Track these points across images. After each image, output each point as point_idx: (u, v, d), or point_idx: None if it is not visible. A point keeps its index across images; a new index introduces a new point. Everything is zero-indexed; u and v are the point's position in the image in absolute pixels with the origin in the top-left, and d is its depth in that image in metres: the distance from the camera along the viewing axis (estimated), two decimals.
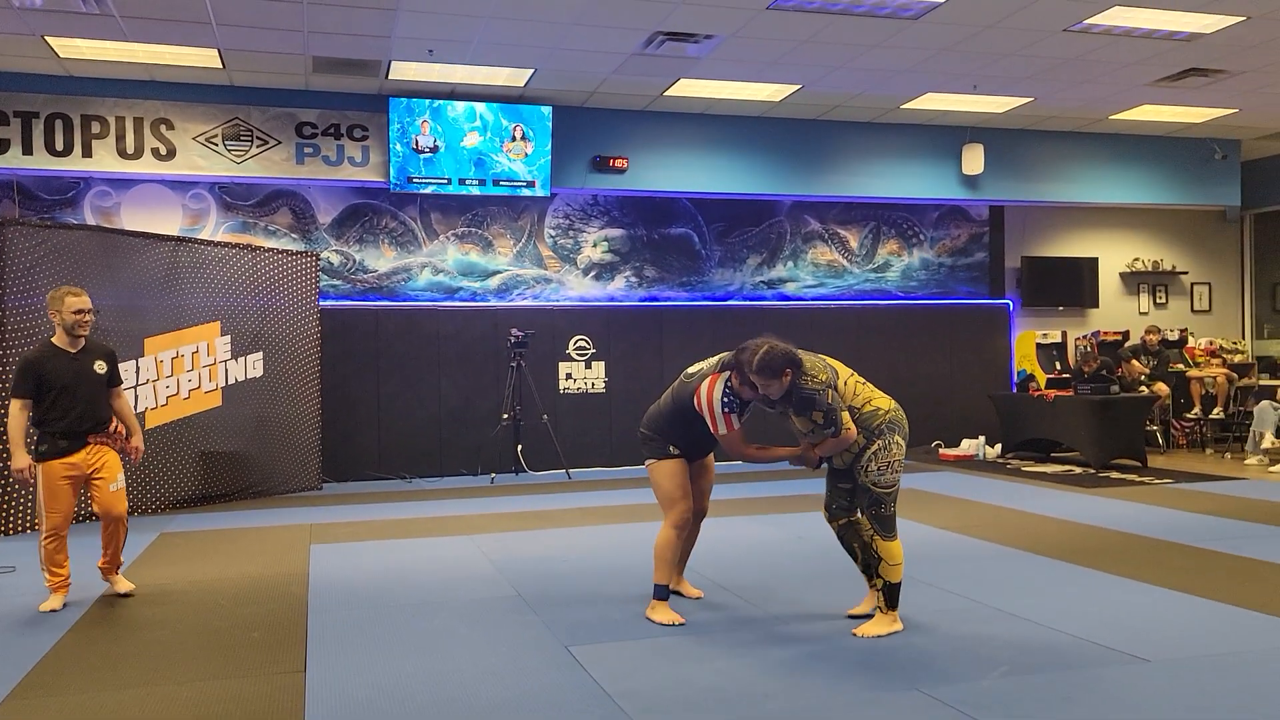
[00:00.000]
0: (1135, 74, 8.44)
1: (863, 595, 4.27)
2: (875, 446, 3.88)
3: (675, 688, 3.38)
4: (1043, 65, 8.18)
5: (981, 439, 10.12)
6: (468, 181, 8.97)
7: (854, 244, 10.74)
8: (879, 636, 3.87)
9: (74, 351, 4.69)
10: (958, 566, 5.10)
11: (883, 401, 3.97)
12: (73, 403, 4.60)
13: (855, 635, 3.89)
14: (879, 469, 3.87)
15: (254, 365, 7.99)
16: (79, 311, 4.65)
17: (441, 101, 8.81)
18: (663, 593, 4.21)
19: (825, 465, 4.08)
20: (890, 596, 3.95)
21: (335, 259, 9.28)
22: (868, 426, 3.90)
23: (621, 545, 5.86)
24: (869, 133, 10.09)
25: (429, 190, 8.93)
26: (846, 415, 3.86)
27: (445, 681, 3.49)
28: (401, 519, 6.94)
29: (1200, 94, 9.04)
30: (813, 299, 10.52)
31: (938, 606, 4.34)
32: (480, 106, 8.89)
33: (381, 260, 9.42)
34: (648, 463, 4.32)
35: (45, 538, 4.59)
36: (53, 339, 4.71)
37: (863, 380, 4.04)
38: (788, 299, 10.50)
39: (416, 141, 8.78)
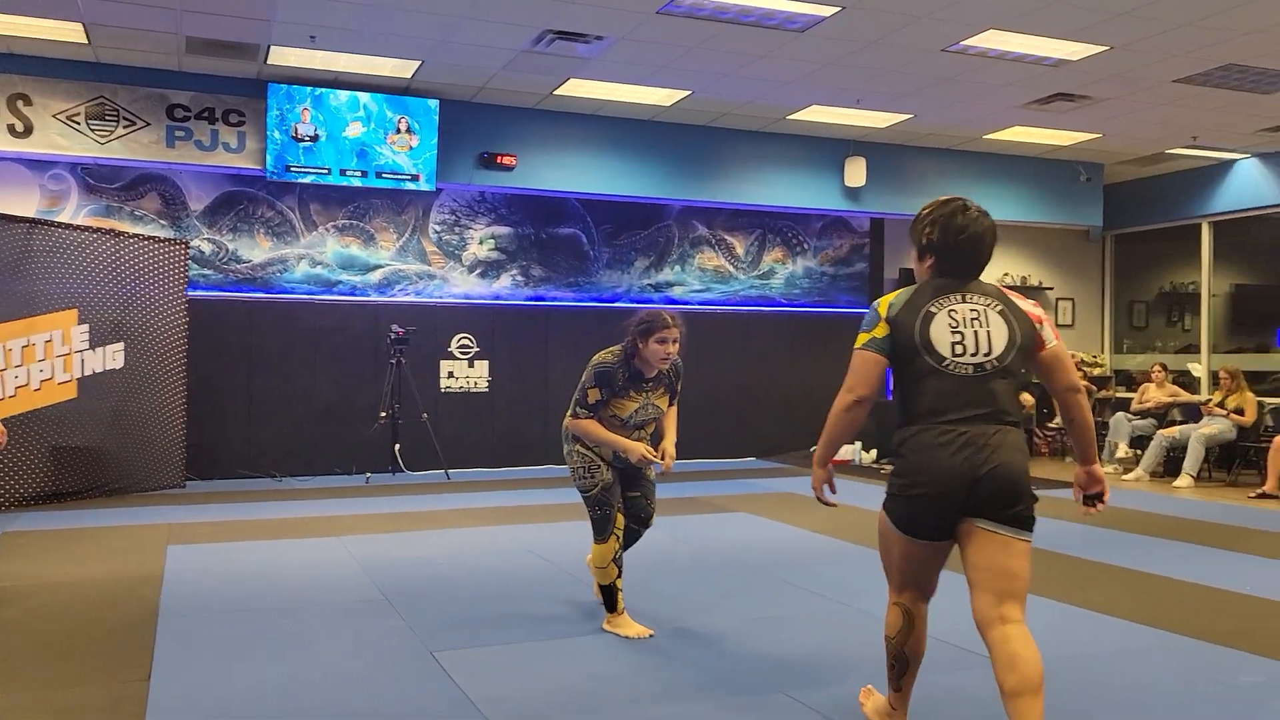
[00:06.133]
0: (1008, 96, 8.79)
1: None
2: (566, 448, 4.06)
3: (543, 694, 3.32)
4: (922, 83, 8.44)
5: (858, 444, 10.38)
6: (349, 172, 8.72)
7: (740, 251, 10.88)
8: (618, 635, 3.95)
9: None
10: (826, 569, 5.19)
11: None
12: None
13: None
14: (571, 473, 4.01)
15: (114, 356, 7.59)
16: None
17: (324, 90, 8.54)
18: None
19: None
20: (605, 599, 4.02)
21: (207, 248, 8.89)
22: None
23: (499, 548, 5.77)
24: (757, 141, 10.23)
25: (308, 180, 8.64)
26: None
27: (300, 689, 3.36)
28: (268, 519, 6.68)
29: (1067, 118, 9.47)
30: (699, 304, 10.61)
31: (806, 609, 4.41)
32: (364, 96, 8.65)
33: (257, 250, 9.07)
34: None
35: None
36: None
37: None
38: (675, 303, 10.55)
39: (296, 129, 8.49)
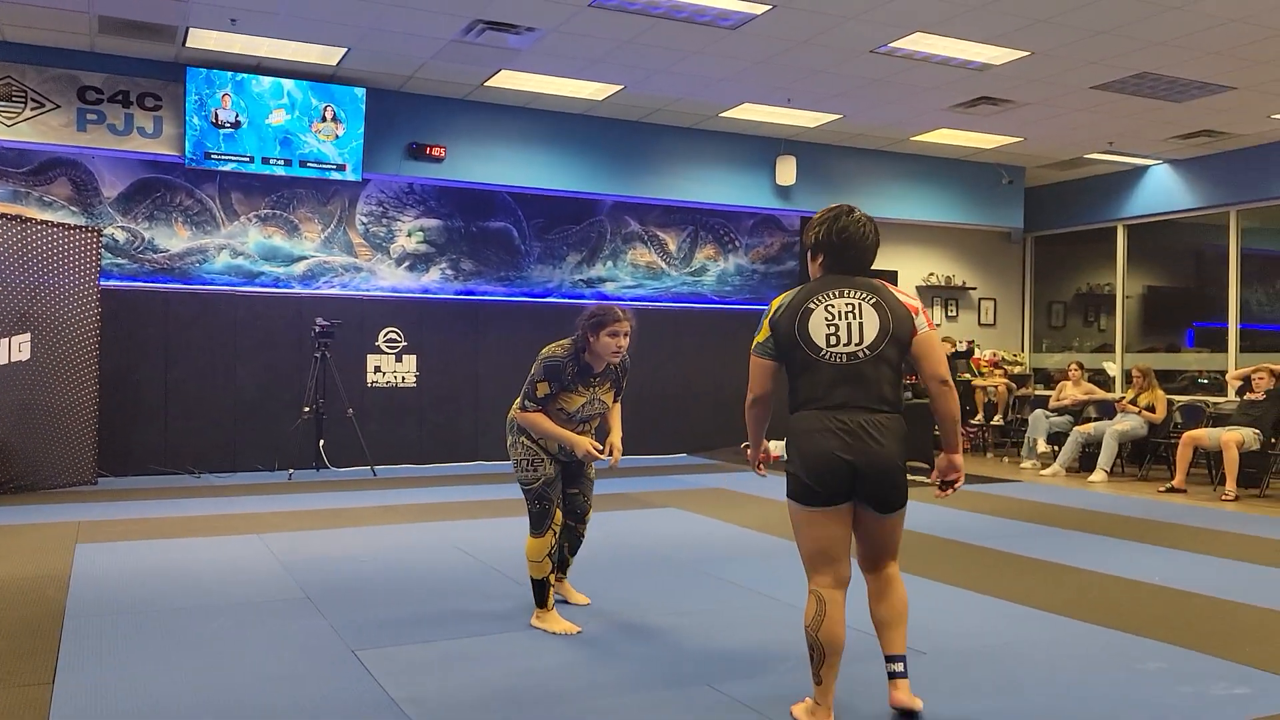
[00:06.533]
0: (934, 98, 8.95)
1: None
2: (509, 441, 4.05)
3: (467, 692, 3.27)
4: (851, 84, 8.54)
5: (786, 440, 10.45)
6: (272, 161, 8.50)
7: (672, 247, 10.90)
8: (545, 631, 3.94)
9: None
10: (754, 564, 5.22)
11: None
12: None
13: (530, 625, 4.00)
14: (514, 465, 4.00)
15: (19, 348, 7.28)
16: None
17: (245, 75, 8.30)
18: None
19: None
20: (535, 593, 4.01)
21: (121, 236, 8.58)
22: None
23: (425, 545, 5.68)
24: (689, 138, 10.25)
25: (229, 168, 8.39)
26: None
27: (216, 691, 3.25)
28: (185, 517, 6.48)
29: (991, 121, 9.69)
30: (631, 300, 10.59)
31: (733, 603, 4.42)
32: (288, 83, 8.44)
33: (174, 240, 8.79)
34: None
35: None
36: None
37: None
38: (607, 299, 10.52)
39: (216, 115, 8.24)
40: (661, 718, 3.05)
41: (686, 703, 3.18)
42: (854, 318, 2.92)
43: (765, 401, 3.08)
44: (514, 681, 3.36)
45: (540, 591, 4.00)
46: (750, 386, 3.07)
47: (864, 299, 2.94)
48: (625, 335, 3.87)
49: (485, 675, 3.43)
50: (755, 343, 3.04)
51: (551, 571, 4.01)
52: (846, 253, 3.00)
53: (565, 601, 4.33)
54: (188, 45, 7.77)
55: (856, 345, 2.90)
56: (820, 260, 3.05)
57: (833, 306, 2.94)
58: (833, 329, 2.92)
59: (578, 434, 3.95)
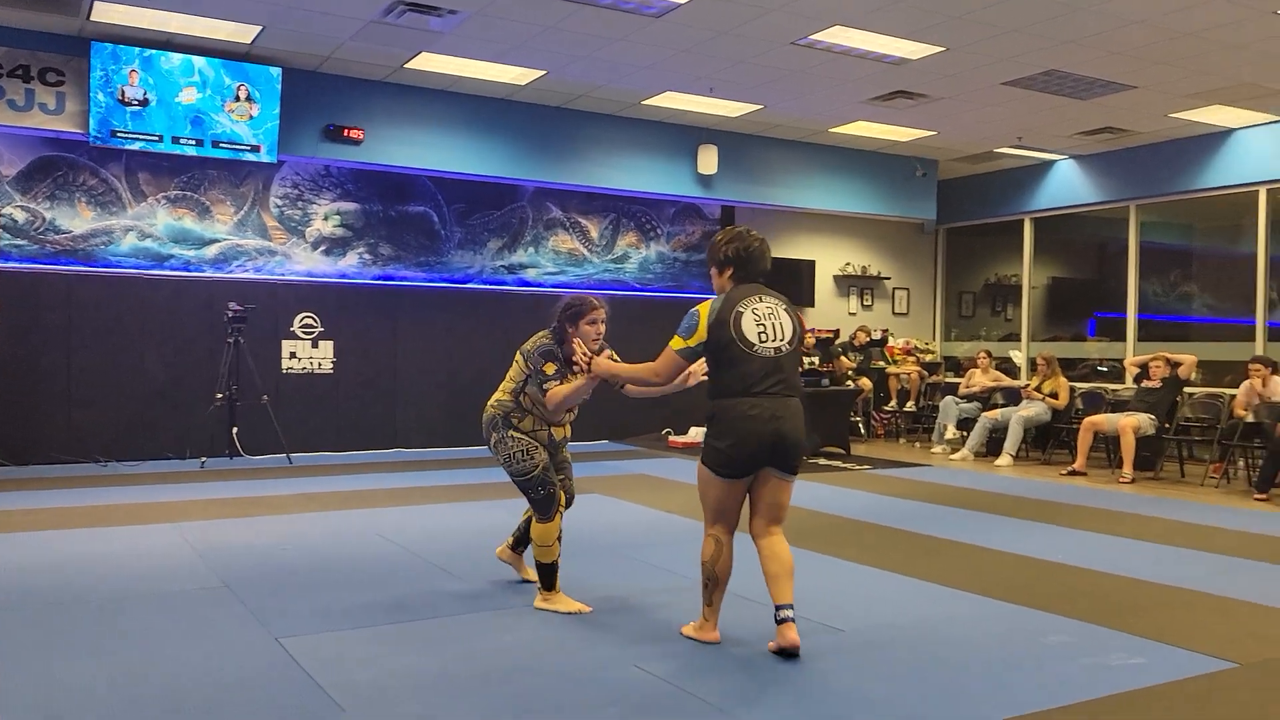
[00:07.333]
0: (852, 91, 9.13)
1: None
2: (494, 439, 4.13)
3: (395, 677, 3.26)
4: (772, 75, 8.66)
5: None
6: (183, 140, 8.24)
7: (594, 234, 10.91)
8: (555, 611, 4.03)
9: None
10: (673, 546, 5.30)
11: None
12: None
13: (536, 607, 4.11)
14: (506, 459, 4.07)
15: None
16: None
17: (154, 51, 8.02)
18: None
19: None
20: (544, 577, 4.11)
21: (20, 216, 8.23)
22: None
23: (346, 533, 5.62)
24: (611, 125, 10.26)
25: (136, 147, 8.11)
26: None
27: (135, 683, 3.18)
28: (93, 506, 6.28)
29: (906, 115, 9.93)
30: (553, 286, 10.57)
31: (656, 584, 4.49)
32: (199, 60, 8.18)
33: (78, 221, 8.46)
34: None
35: None
36: None
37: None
38: (529, 285, 10.49)
39: (123, 92, 7.95)
40: (590, 697, 3.09)
41: (614, 682, 3.23)
42: (774, 319, 3.57)
43: (660, 386, 3.76)
44: (444, 667, 3.37)
45: (549, 575, 4.09)
46: (658, 371, 3.66)
47: (778, 305, 3.63)
48: (603, 322, 4.03)
49: (415, 661, 3.42)
50: (683, 344, 3.57)
51: (516, 546, 4.35)
52: (751, 265, 3.65)
53: (523, 579, 4.51)
54: (92, 19, 7.47)
55: (779, 342, 3.55)
56: (730, 273, 3.66)
57: (757, 310, 3.57)
58: (762, 328, 3.54)
59: (561, 422, 4.17)
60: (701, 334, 3.54)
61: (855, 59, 8.10)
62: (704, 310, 3.57)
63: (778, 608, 3.51)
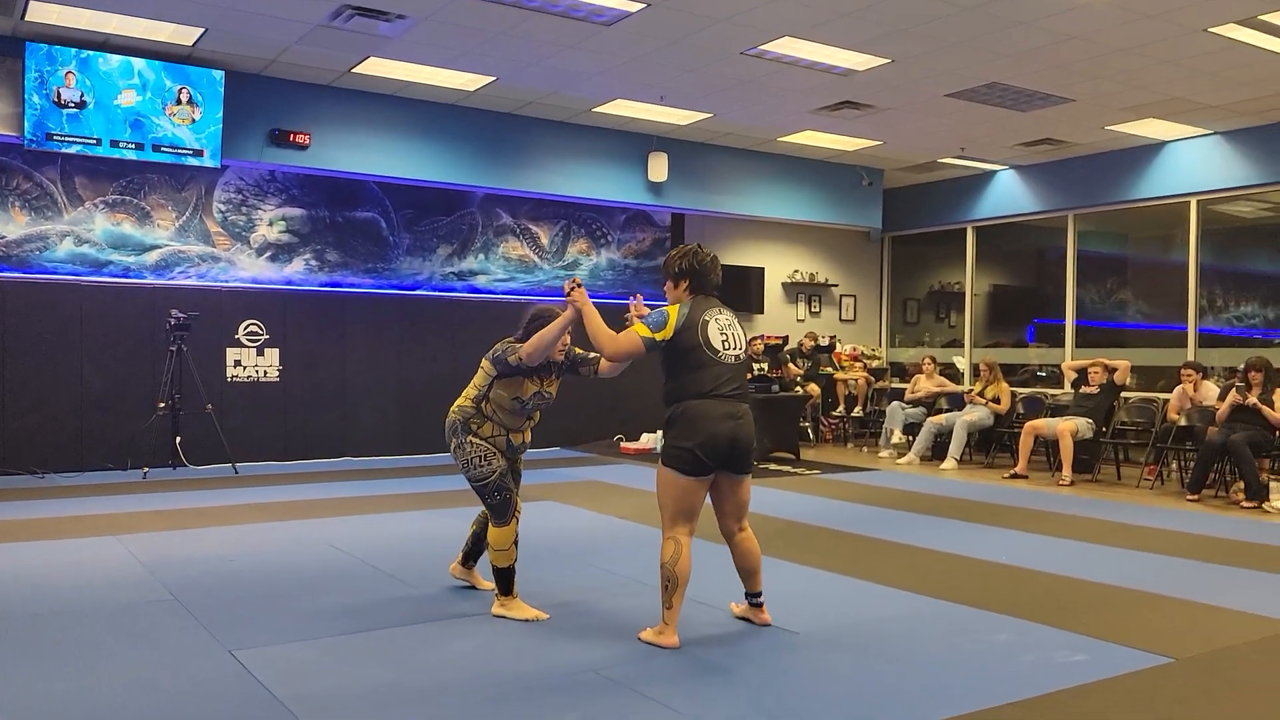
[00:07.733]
0: (800, 101, 9.25)
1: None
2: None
3: (352, 687, 3.24)
4: (722, 84, 8.75)
5: (659, 433, 10.65)
6: (122, 144, 8.07)
7: (545, 241, 10.90)
8: (512, 619, 4.05)
9: None
10: (628, 551, 5.33)
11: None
12: None
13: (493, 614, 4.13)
14: (465, 464, 4.11)
15: None
16: None
17: (92, 52, 7.85)
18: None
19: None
20: (500, 582, 4.13)
21: None
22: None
23: (295, 543, 5.54)
24: (562, 132, 10.27)
25: (74, 150, 7.91)
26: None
27: (85, 698, 3.11)
28: (30, 519, 6.12)
29: (853, 125, 10.09)
30: (504, 293, 10.54)
31: (612, 590, 4.51)
32: (139, 62, 8.02)
33: (11, 226, 8.24)
34: None
35: None
36: None
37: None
38: (478, 292, 10.44)
39: (59, 94, 7.77)
40: (552, 704, 3.10)
41: (573, 688, 3.25)
42: (732, 330, 3.86)
43: (608, 359, 3.94)
44: (401, 677, 3.35)
45: (506, 580, 4.11)
46: (619, 342, 3.77)
47: (732, 317, 3.93)
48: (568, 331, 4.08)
49: (371, 671, 3.40)
50: (649, 334, 3.73)
51: (467, 560, 4.44)
52: (705, 277, 3.89)
53: (473, 587, 4.52)
54: (26, 19, 7.29)
55: (738, 350, 3.84)
56: (685, 285, 3.89)
57: (719, 320, 3.84)
58: (724, 337, 3.80)
59: (524, 428, 4.20)
60: (668, 333, 3.73)
61: (804, 69, 8.22)
62: (673, 313, 3.78)
63: (753, 594, 3.98)
